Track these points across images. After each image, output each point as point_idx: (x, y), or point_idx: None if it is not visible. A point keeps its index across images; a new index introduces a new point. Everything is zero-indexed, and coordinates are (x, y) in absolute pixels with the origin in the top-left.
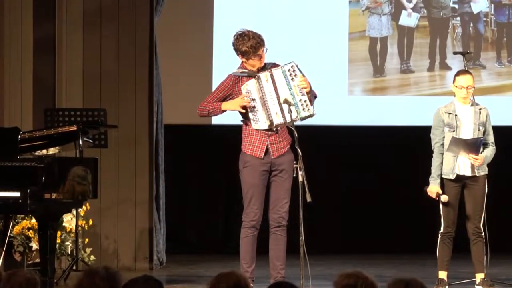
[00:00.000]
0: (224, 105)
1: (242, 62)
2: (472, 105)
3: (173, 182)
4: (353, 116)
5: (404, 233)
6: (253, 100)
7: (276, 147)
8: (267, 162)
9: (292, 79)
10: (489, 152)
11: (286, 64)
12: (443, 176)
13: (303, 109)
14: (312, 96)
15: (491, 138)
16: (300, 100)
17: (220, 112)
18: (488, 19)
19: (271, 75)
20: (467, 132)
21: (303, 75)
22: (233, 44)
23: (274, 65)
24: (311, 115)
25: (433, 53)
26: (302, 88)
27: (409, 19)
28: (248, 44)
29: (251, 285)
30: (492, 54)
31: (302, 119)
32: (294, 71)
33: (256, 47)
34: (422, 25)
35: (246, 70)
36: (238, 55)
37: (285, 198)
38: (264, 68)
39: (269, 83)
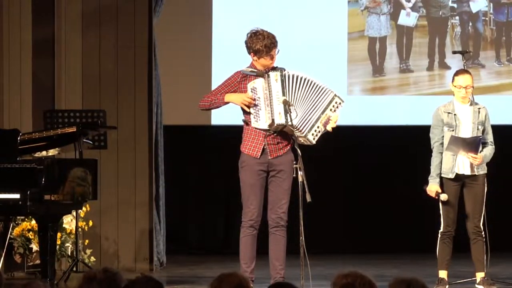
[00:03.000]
0: (228, 96)
1: (252, 61)
2: (471, 104)
3: (173, 183)
4: (352, 116)
5: (404, 232)
6: (258, 98)
7: (274, 147)
8: (264, 162)
9: (331, 110)
10: (488, 151)
11: (339, 97)
12: (442, 175)
13: (312, 134)
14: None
15: (490, 137)
16: (318, 126)
17: (222, 104)
18: (487, 18)
19: (281, 76)
20: (467, 131)
21: (337, 115)
22: (246, 42)
23: (283, 69)
24: (310, 143)
25: (432, 52)
26: (328, 122)
27: (408, 18)
28: (262, 43)
29: (251, 285)
30: (491, 53)
31: (302, 139)
32: (337, 107)
33: (270, 47)
34: (421, 25)
35: (256, 70)
36: (249, 53)
37: (284, 199)
38: (274, 69)
39: (278, 83)
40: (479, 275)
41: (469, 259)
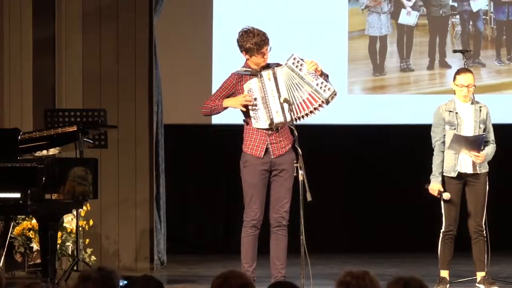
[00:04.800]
0: (226, 102)
1: (246, 60)
2: (472, 103)
3: (173, 182)
4: (353, 115)
5: (404, 231)
6: (255, 99)
7: (277, 146)
8: (267, 161)
9: (300, 69)
10: (490, 149)
11: (288, 60)
12: (444, 174)
13: (324, 91)
14: (325, 76)
15: (491, 136)
16: (317, 84)
17: (222, 109)
18: (487, 17)
19: (274, 73)
20: (468, 130)
21: (308, 60)
22: (238, 41)
23: (278, 65)
24: (334, 93)
25: (433, 51)
26: (313, 72)
27: (408, 17)
28: (253, 41)
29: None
30: (491, 52)
31: (328, 102)
32: (298, 61)
33: (261, 45)
34: (421, 24)
35: (250, 69)
36: (241, 51)
37: (286, 198)
38: (267, 67)
39: (271, 81)
40: (480, 274)
41: (470, 258)
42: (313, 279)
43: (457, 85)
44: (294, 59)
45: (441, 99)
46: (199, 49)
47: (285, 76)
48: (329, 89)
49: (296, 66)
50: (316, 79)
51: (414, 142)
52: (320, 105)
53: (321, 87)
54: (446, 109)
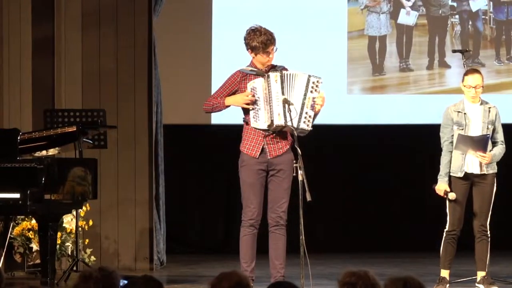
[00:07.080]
0: (228, 100)
1: (252, 60)
2: (481, 103)
3: (173, 182)
4: (352, 115)
5: (404, 231)
6: (257, 98)
7: (273, 147)
8: (263, 161)
9: (311, 91)
10: (498, 150)
11: (314, 76)
12: (451, 174)
13: (303, 122)
14: (315, 115)
15: (500, 137)
16: (306, 112)
17: (224, 107)
18: (486, 17)
19: (281, 76)
20: (476, 130)
21: (322, 94)
22: (244, 39)
23: (284, 69)
24: (306, 131)
25: (432, 51)
26: (315, 104)
27: (408, 17)
28: (259, 39)
29: (251, 284)
30: (491, 52)
31: (297, 130)
32: (317, 86)
33: (267, 44)
34: (421, 24)
35: (256, 69)
36: (247, 49)
37: (283, 198)
38: (273, 68)
39: (278, 83)
40: (480, 274)
41: (470, 258)
42: (313, 279)
43: (464, 86)
44: (318, 81)
45: (441, 99)
46: (199, 49)
47: (301, 82)
48: (307, 125)
49: (312, 87)
50: (310, 109)
51: (414, 142)
52: (291, 126)
53: (305, 117)
54: (455, 109)
